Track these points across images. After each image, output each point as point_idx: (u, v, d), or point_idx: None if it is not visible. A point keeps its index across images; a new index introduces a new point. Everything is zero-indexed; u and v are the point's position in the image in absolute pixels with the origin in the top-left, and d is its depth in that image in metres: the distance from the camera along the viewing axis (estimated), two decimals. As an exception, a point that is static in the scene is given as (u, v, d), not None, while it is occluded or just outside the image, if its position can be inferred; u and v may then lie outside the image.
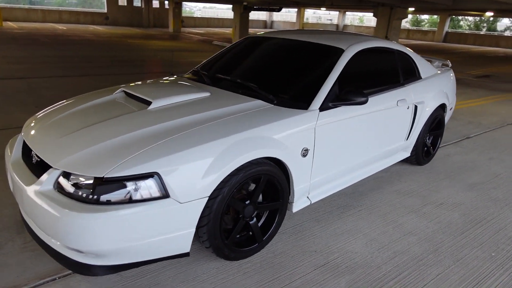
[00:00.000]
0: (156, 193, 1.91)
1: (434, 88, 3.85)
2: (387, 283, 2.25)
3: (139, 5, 32.96)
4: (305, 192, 2.68)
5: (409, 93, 3.46)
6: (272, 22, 40.04)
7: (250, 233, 2.40)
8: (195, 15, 41.72)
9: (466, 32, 32.06)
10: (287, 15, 43.49)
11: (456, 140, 5.14)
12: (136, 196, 1.88)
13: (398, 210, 3.14)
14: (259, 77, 3.01)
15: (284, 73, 3.03)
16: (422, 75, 3.80)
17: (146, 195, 1.89)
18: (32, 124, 2.45)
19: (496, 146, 4.98)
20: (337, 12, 39.48)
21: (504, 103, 7.93)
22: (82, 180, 1.92)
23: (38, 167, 2.15)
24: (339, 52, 2.97)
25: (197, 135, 2.11)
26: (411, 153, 3.82)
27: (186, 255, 2.11)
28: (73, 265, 1.98)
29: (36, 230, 2.12)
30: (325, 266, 2.37)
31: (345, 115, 2.77)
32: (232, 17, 21.05)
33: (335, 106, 2.70)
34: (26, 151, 2.34)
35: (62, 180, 1.95)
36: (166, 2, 32.24)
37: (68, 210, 1.80)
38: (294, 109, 2.55)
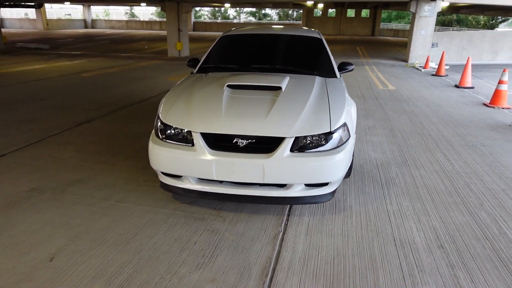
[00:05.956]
0: (347, 136, 2.98)
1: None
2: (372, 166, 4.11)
3: None
4: None
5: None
6: (1, 20, 33.49)
7: None
8: None
9: (209, 21, 37.48)
10: (18, 11, 37.34)
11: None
12: (344, 140, 2.90)
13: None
14: (291, 62, 4.09)
15: (302, 57, 4.23)
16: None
17: (345, 137, 2.94)
18: (205, 122, 2.78)
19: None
20: (81, 6, 37.21)
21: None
22: (309, 139, 2.76)
23: (246, 147, 2.72)
24: (320, 40, 4.44)
25: (335, 98, 3.21)
26: None
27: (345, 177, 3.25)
28: (309, 199, 2.82)
29: (265, 193, 2.74)
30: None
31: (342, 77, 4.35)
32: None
33: (341, 74, 4.22)
34: (214, 141, 2.75)
35: (294, 143, 2.70)
36: None
37: (330, 156, 2.68)
38: (333, 78, 3.90)
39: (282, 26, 5.10)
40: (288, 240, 2.64)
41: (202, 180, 2.86)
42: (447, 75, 10.74)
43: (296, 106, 2.98)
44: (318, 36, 4.49)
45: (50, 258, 2.37)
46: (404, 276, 2.28)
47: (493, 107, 6.75)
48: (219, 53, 4.37)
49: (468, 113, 6.35)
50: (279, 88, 3.26)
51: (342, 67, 4.20)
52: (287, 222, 2.87)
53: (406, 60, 14.30)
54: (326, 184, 2.82)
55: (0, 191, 3.27)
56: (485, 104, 7.00)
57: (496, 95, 6.78)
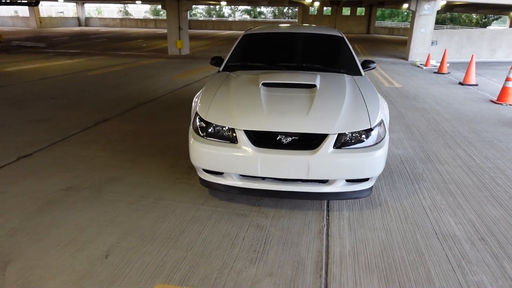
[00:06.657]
0: (384, 132, 3.05)
1: None
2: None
3: None
4: None
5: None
6: (-7, 18, 32.96)
7: None
8: None
9: (205, 19, 37.35)
10: (8, 9, 36.81)
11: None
12: (382, 136, 2.97)
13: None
14: (317, 60, 4.15)
15: (327, 56, 4.29)
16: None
17: (383, 134, 3.00)
18: (248, 120, 2.82)
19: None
20: (72, 4, 36.78)
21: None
22: (349, 135, 2.82)
23: (288, 144, 2.77)
24: (342, 39, 4.50)
25: (369, 95, 3.27)
26: None
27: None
28: (349, 194, 2.88)
29: (307, 189, 2.80)
30: (403, 162, 4.08)
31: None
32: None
33: (364, 71, 4.28)
34: (258, 138, 2.79)
35: (336, 140, 2.76)
36: None
37: (371, 152, 2.74)
38: (359, 76, 3.97)
39: (303, 25, 5.14)
40: (333, 234, 2.70)
41: (244, 177, 2.90)
42: (449, 73, 10.90)
43: (334, 103, 3.04)
44: (340, 35, 4.54)
45: (105, 255, 2.40)
46: (453, 267, 2.35)
47: (501, 104, 6.89)
48: (243, 52, 4.39)
49: (478, 110, 6.47)
50: (314, 85, 3.31)
51: (365, 65, 4.27)
52: (328, 217, 2.94)
53: (406, 58, 14.45)
54: (366, 179, 2.88)
55: (38, 190, 3.28)
56: (492, 101, 7.14)
57: (504, 92, 6.92)
